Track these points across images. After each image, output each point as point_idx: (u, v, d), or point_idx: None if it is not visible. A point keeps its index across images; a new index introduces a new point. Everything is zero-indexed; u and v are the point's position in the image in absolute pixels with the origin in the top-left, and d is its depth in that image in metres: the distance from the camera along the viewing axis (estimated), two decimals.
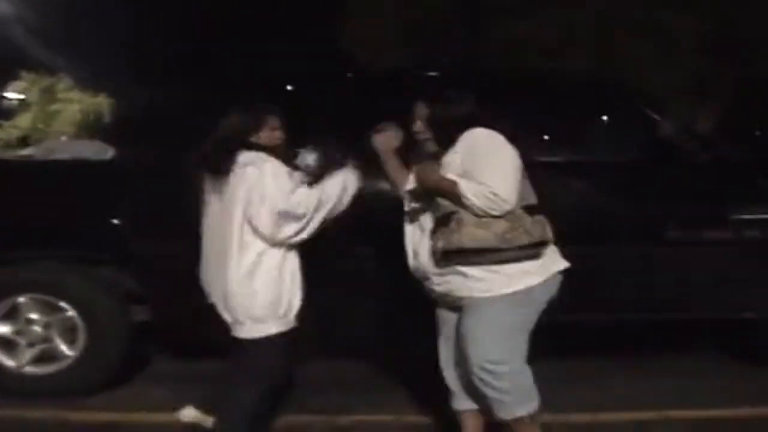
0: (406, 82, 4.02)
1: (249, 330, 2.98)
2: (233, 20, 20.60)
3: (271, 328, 2.98)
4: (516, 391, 2.83)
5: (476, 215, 2.74)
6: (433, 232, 2.90)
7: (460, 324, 2.92)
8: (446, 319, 3.08)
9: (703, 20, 13.23)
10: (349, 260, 3.80)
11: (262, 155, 2.99)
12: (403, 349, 4.27)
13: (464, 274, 2.82)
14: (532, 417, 2.86)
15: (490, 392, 2.83)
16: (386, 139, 3.10)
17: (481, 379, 2.82)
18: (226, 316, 3.03)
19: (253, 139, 3.05)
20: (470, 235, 2.74)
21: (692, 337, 4.66)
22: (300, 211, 2.94)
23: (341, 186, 3.09)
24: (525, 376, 2.85)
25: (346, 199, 3.11)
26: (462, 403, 3.14)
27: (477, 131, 2.85)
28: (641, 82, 11.29)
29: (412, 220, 3.05)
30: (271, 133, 3.09)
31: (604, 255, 3.75)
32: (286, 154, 3.13)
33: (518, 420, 2.85)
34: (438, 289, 2.97)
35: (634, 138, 4.10)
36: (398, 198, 3.10)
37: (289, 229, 2.95)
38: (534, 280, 2.81)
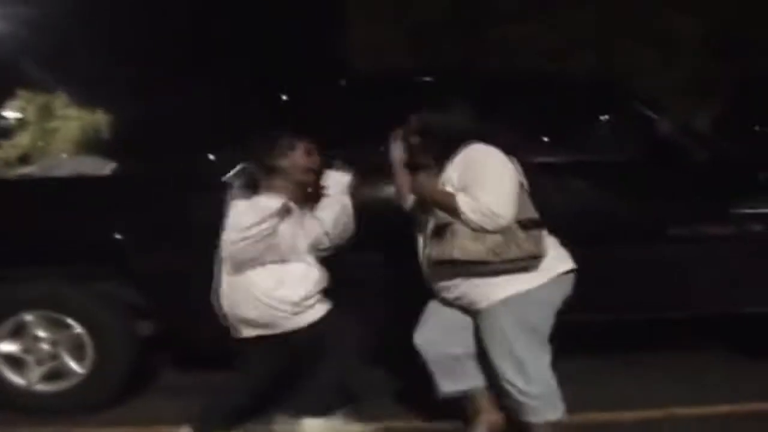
0: (401, 88, 4.04)
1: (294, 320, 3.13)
2: (229, 31, 20.62)
3: (315, 314, 3.15)
4: (544, 394, 2.89)
5: (471, 228, 2.78)
6: (428, 242, 2.94)
7: (480, 335, 2.99)
8: (441, 306, 3.12)
9: (702, 20, 13.27)
10: (359, 266, 3.81)
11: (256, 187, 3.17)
12: (411, 353, 4.27)
13: (464, 283, 2.86)
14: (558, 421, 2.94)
15: (521, 398, 2.89)
16: (399, 150, 3.13)
17: (511, 383, 2.89)
18: (268, 318, 3.14)
19: (277, 163, 3.17)
20: (462, 247, 2.79)
21: (697, 333, 4.67)
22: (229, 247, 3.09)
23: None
24: (550, 378, 2.92)
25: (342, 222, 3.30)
26: (449, 384, 3.17)
27: (475, 147, 2.89)
28: (641, 81, 11.32)
29: (421, 229, 3.08)
30: (302, 157, 3.21)
31: (605, 254, 3.76)
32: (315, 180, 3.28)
33: (547, 423, 2.91)
34: (447, 295, 3.00)
35: (633, 137, 4.11)
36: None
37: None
38: (534, 282, 2.84)
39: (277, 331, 3.15)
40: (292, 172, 3.17)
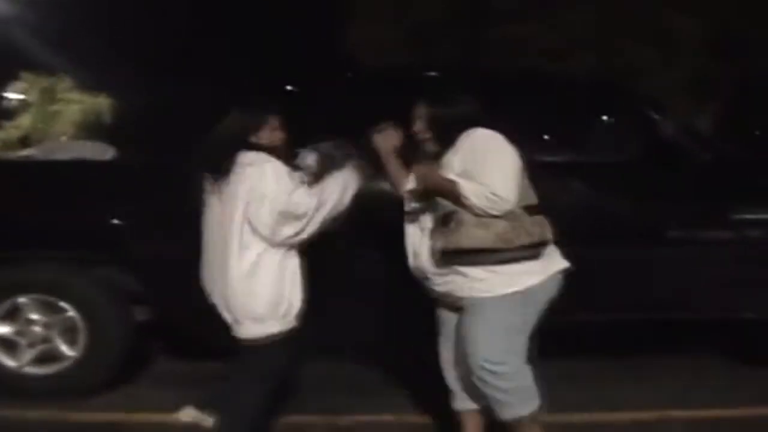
0: (406, 82, 4.02)
1: (248, 330, 2.98)
2: (233, 20, 20.60)
3: (271, 328, 2.98)
4: (517, 390, 2.85)
5: (476, 215, 2.75)
6: (433, 232, 2.91)
7: (460, 324, 2.93)
8: (447, 319, 3.10)
9: (703, 20, 13.25)
10: (349, 261, 3.79)
11: (262, 155, 2.99)
12: (404, 349, 4.27)
13: (464, 274, 2.83)
14: (533, 417, 2.88)
15: (491, 392, 2.84)
16: (386, 139, 3.09)
17: (482, 379, 2.83)
18: (227, 316, 3.04)
19: (254, 139, 3.04)
20: (469, 235, 2.75)
21: (692, 337, 4.66)
22: (300, 211, 2.94)
23: (342, 185, 3.08)
24: (525, 376, 2.87)
25: (347, 199, 3.09)
26: (462, 403, 3.15)
27: (477, 131, 2.86)
28: (642, 82, 11.31)
29: (413, 221, 3.05)
30: (271, 133, 3.07)
31: (604, 255, 3.75)
32: (287, 154, 3.13)
33: (519, 420, 2.87)
34: (438, 289, 2.98)
35: (635, 138, 4.10)
36: (398, 198, 3.10)
37: (288, 230, 2.94)
38: (533, 280, 2.82)
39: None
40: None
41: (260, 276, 2.96)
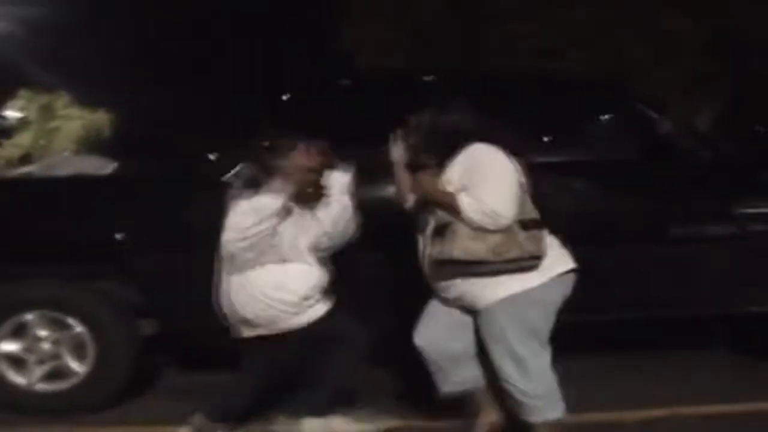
0: (403, 88, 4.03)
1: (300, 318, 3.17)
2: (230, 29, 20.64)
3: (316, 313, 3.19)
4: (545, 394, 2.89)
5: (472, 227, 2.77)
6: (430, 242, 2.93)
7: (480, 335, 2.99)
8: (441, 306, 3.11)
9: (702, 19, 13.26)
10: (357, 265, 3.80)
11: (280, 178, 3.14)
12: (411, 353, 4.27)
13: (464, 285, 2.86)
14: (556, 421, 2.93)
15: (521, 397, 2.89)
16: (397, 150, 3.12)
17: (511, 383, 2.89)
18: (268, 318, 3.16)
19: (277, 163, 3.18)
20: (463, 247, 2.79)
21: (700, 333, 4.66)
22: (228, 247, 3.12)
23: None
24: (550, 378, 2.92)
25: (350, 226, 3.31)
26: (449, 384, 3.17)
27: (477, 146, 2.89)
28: (641, 80, 11.31)
29: (422, 229, 3.07)
30: (302, 158, 3.22)
31: (606, 254, 3.75)
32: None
33: (545, 423, 2.91)
34: (449, 296, 3.00)
35: (634, 137, 4.10)
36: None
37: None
38: (533, 282, 2.84)
39: (277, 330, 3.15)
40: (292, 173, 3.16)
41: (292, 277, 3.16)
